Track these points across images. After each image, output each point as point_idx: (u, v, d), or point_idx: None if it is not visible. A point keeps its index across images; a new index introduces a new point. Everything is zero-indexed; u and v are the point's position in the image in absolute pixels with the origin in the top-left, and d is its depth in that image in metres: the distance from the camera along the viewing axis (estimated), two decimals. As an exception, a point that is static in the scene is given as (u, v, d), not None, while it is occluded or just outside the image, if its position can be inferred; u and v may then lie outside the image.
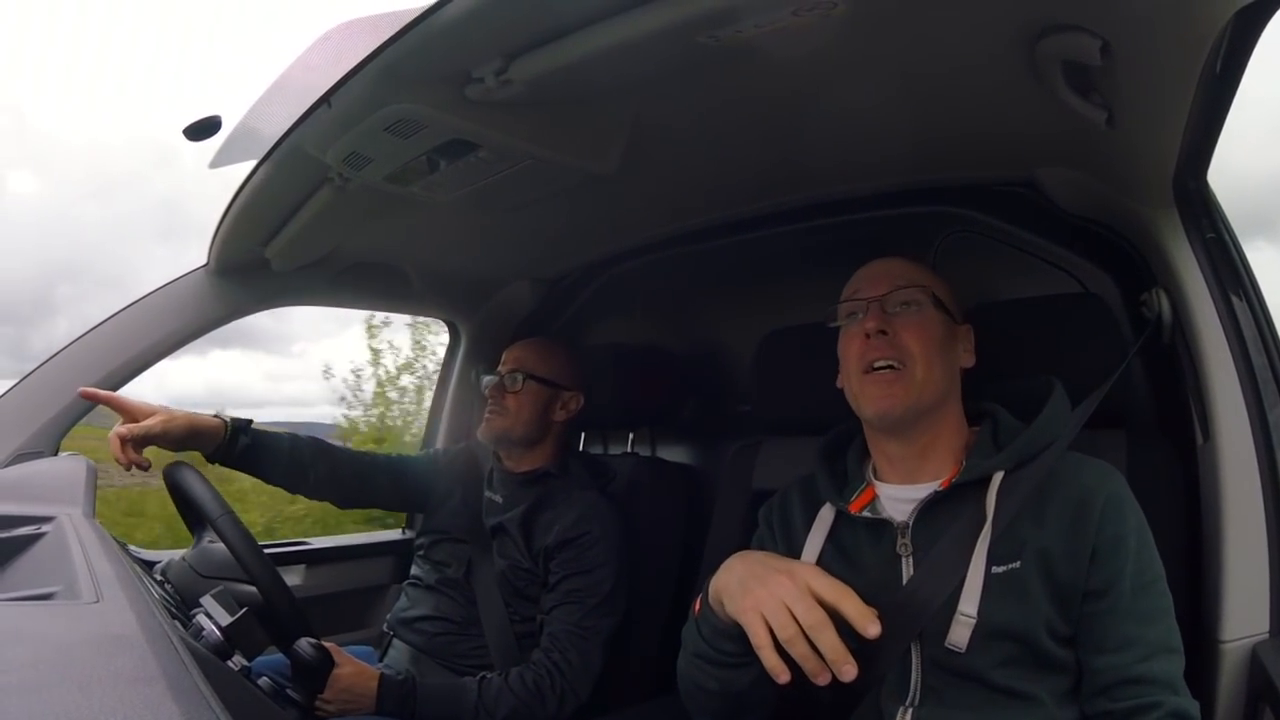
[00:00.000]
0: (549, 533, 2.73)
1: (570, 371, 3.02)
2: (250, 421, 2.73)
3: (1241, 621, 1.84)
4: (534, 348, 3.05)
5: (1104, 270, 2.49)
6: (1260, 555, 1.87)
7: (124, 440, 2.39)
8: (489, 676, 2.54)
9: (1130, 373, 2.18)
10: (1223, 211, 2.12)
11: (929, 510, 1.87)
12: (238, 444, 2.66)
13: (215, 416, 2.63)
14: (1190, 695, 1.64)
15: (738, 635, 1.69)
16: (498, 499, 2.95)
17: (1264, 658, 1.77)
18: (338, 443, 3.11)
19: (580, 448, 3.92)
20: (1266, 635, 1.82)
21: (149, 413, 2.47)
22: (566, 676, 2.55)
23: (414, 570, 3.07)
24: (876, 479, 2.02)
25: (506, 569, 2.78)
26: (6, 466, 2.46)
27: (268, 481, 2.83)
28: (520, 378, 2.91)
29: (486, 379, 3.00)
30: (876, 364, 1.93)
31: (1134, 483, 1.98)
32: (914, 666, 1.80)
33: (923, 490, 1.90)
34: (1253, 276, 2.12)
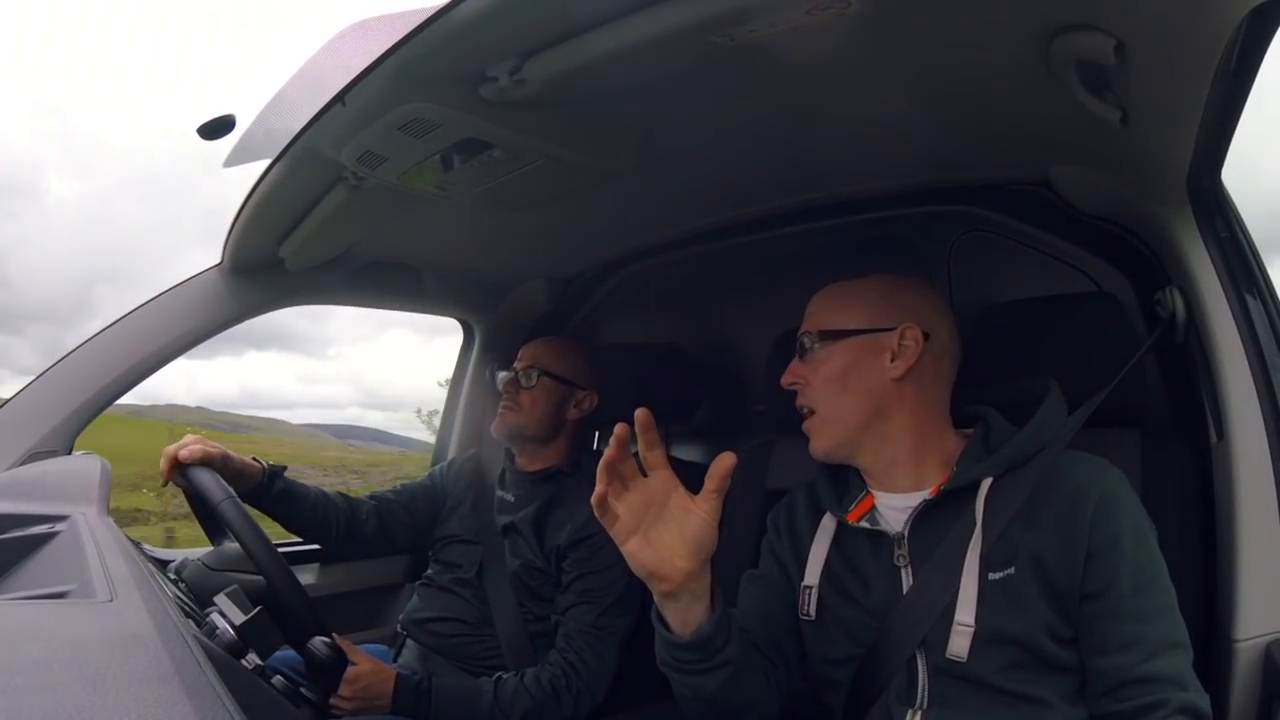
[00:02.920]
0: (561, 532, 2.73)
1: (585, 371, 3.02)
2: (285, 468, 2.78)
3: (1255, 620, 1.84)
4: (550, 346, 3.06)
5: (1118, 269, 2.50)
6: (1274, 554, 1.87)
7: (175, 462, 2.45)
8: (505, 677, 2.54)
9: (1144, 372, 2.18)
10: (1237, 210, 2.12)
11: (923, 519, 1.88)
12: (273, 488, 2.71)
13: (254, 460, 2.68)
14: (1200, 689, 1.63)
15: (688, 643, 1.72)
16: (510, 498, 2.95)
17: (1278, 656, 1.77)
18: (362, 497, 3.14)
19: (595, 446, 3.92)
20: None
21: (211, 448, 2.52)
22: (583, 677, 2.55)
23: (427, 571, 3.07)
24: (872, 489, 2.02)
25: (519, 569, 2.78)
26: (20, 465, 2.48)
27: (289, 528, 2.86)
28: (535, 374, 2.92)
29: (502, 375, 3.00)
30: (801, 411, 2.01)
31: (1147, 482, 1.99)
32: (920, 673, 1.81)
33: (916, 498, 1.91)
34: (1267, 275, 2.12)
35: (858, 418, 1.94)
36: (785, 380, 2.01)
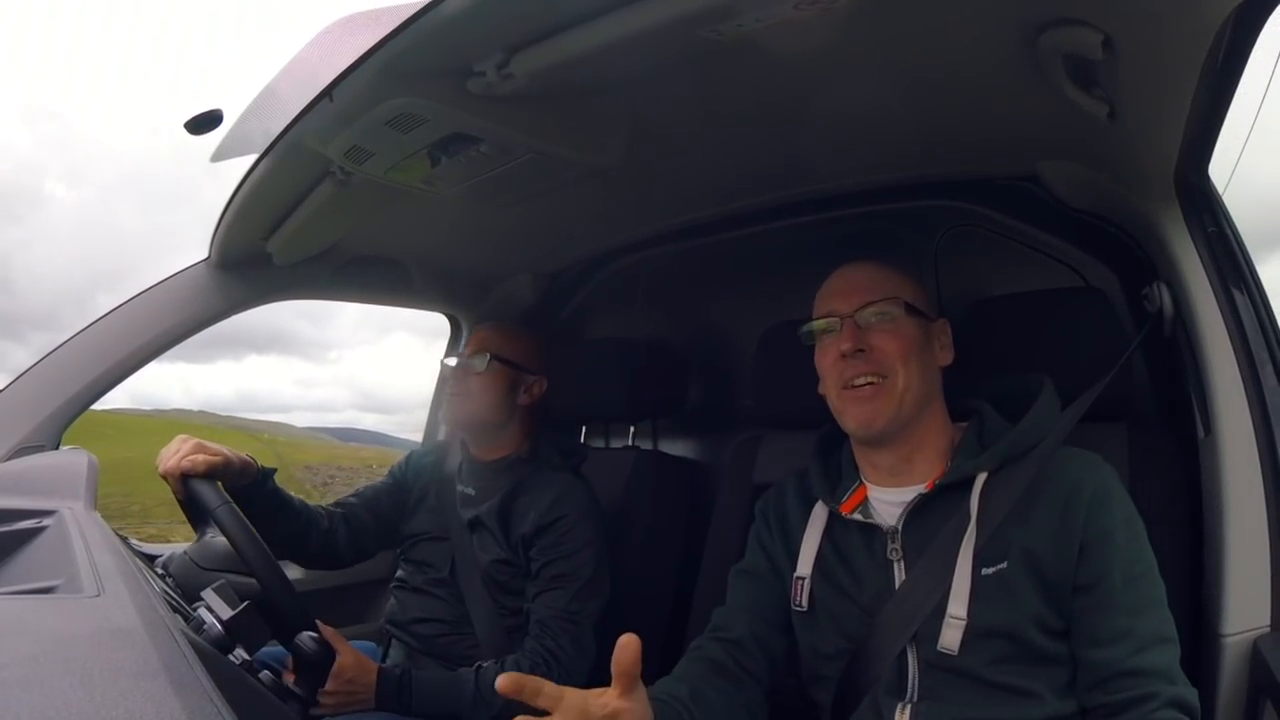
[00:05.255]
0: (525, 520, 2.71)
1: (535, 356, 2.99)
2: (274, 470, 2.73)
3: (1243, 615, 1.84)
4: (499, 331, 3.02)
5: (1106, 264, 2.50)
6: (1261, 549, 1.87)
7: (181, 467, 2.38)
8: (485, 665, 2.53)
9: (1132, 366, 2.18)
10: (1224, 205, 2.13)
11: (918, 513, 1.88)
12: (265, 487, 2.66)
13: (250, 458, 2.62)
14: (1188, 683, 1.65)
15: None
16: (470, 492, 2.92)
17: (1265, 651, 1.77)
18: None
19: (581, 440, 3.92)
20: (1268, 629, 1.82)
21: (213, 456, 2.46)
22: (562, 663, 2.54)
23: (399, 572, 3.04)
24: (866, 480, 2.02)
25: (489, 564, 2.77)
26: (8, 460, 2.47)
27: (270, 534, 2.78)
28: (485, 360, 2.88)
29: (450, 361, 2.98)
30: (855, 381, 1.93)
31: (1135, 476, 1.99)
32: (910, 666, 1.81)
33: (910, 493, 1.91)
34: (1254, 270, 2.12)
35: (922, 395, 1.93)
36: (849, 346, 1.93)
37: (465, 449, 3.03)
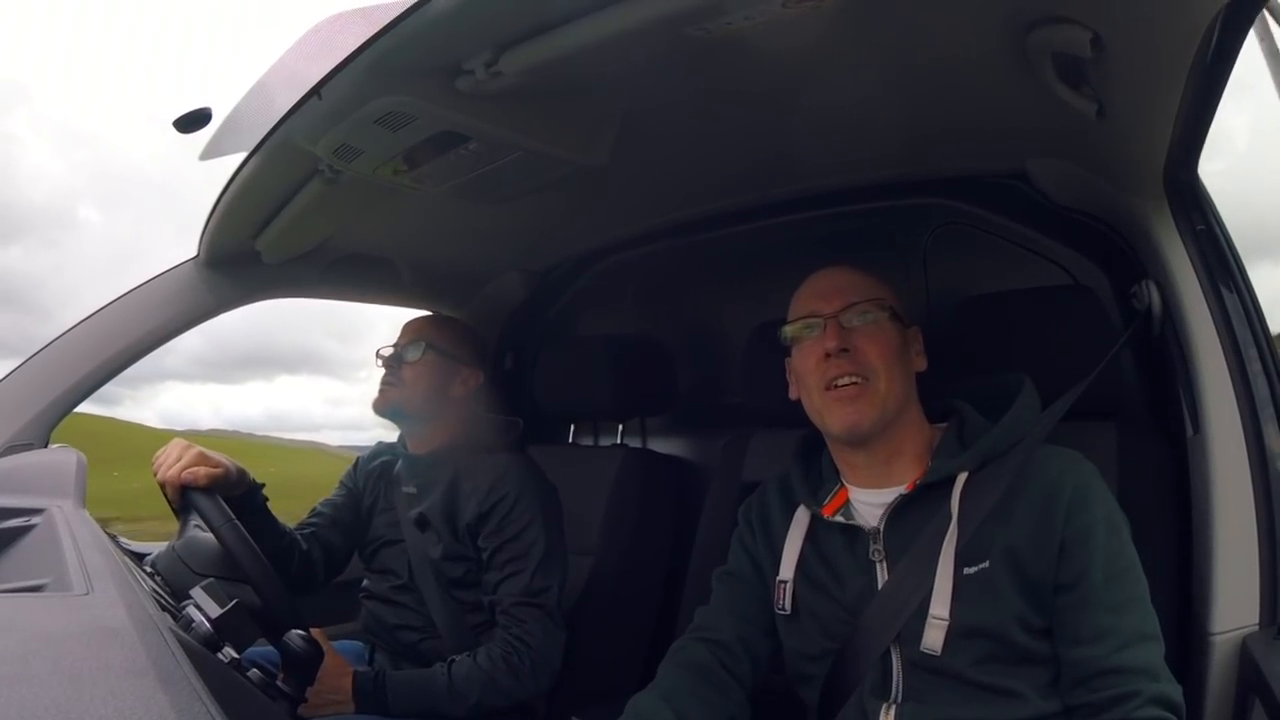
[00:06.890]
0: (468, 508, 2.68)
1: (470, 348, 2.96)
2: (264, 485, 2.72)
3: (1231, 613, 1.84)
4: (435, 321, 3.01)
5: (1094, 262, 2.50)
6: (1250, 547, 1.87)
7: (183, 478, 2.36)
8: (456, 659, 2.52)
9: (1120, 364, 2.18)
10: (1213, 203, 2.13)
11: (899, 514, 1.87)
12: (255, 500, 2.65)
13: (244, 470, 2.61)
14: (1172, 679, 1.65)
15: None
16: (412, 490, 2.88)
17: (1254, 649, 1.77)
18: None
19: (570, 439, 3.91)
20: (1256, 627, 1.82)
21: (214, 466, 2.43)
22: (533, 648, 2.52)
23: (365, 582, 3.01)
24: (847, 482, 2.01)
25: (440, 561, 2.74)
26: (-3, 458, 2.46)
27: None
28: (420, 348, 2.83)
29: (383, 350, 2.92)
30: (839, 381, 1.91)
31: (1124, 475, 2.00)
32: (894, 667, 1.81)
33: (891, 493, 1.90)
34: (1243, 268, 2.12)
35: (902, 398, 1.92)
36: (835, 345, 1.91)
37: (404, 446, 3.00)
